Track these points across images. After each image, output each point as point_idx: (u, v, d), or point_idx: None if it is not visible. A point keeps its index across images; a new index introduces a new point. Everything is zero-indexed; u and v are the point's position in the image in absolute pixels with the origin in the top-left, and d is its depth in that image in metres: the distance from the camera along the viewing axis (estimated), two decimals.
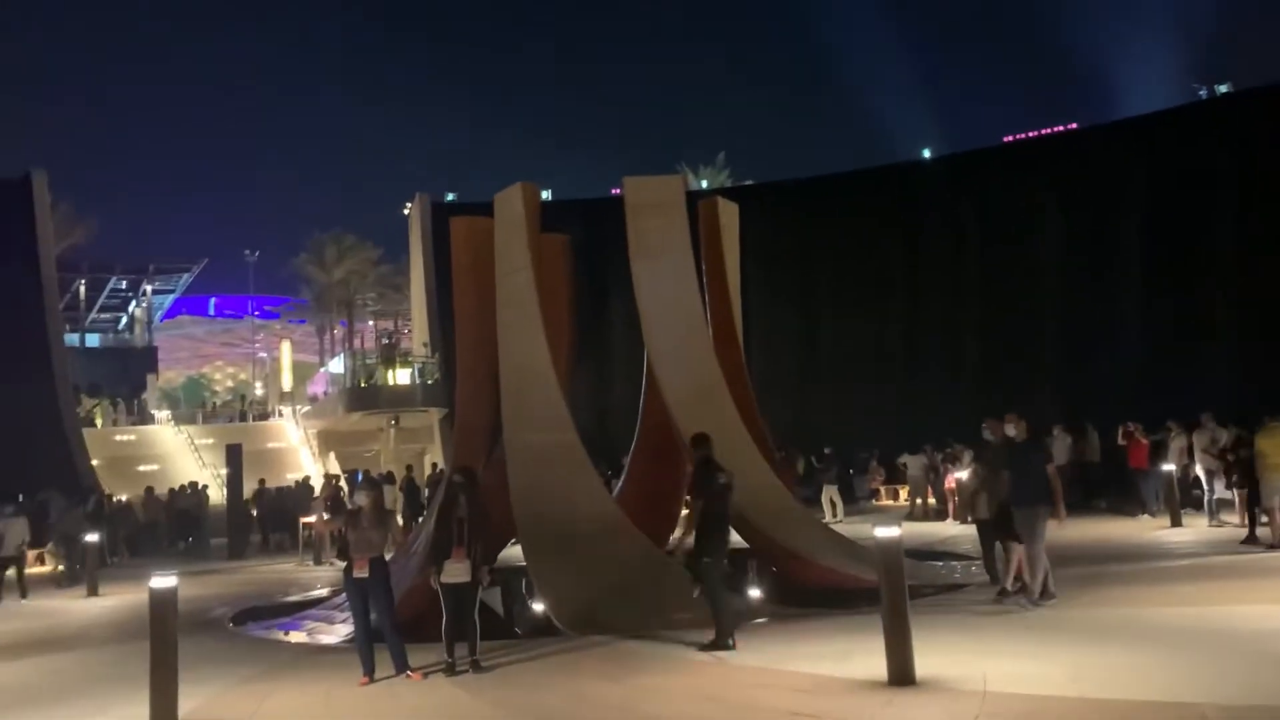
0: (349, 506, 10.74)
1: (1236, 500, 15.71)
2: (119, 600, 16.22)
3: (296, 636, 13.21)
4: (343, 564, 9.67)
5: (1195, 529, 16.18)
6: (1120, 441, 19.28)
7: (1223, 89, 35.05)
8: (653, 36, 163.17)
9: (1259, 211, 28.33)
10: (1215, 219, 29.80)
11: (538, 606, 12.14)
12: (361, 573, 9.13)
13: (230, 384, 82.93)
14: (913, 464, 24.39)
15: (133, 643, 10.63)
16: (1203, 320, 29.17)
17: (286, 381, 56.52)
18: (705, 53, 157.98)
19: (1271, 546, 13.66)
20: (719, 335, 16.23)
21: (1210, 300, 29.39)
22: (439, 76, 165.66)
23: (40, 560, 23.24)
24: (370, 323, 65.31)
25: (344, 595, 10.59)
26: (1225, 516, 16.37)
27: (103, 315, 62.28)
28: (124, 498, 29.25)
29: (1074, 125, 37.92)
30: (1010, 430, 11.24)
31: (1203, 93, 36.11)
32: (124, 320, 63.68)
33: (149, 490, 28.17)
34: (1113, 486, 20.74)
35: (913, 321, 35.18)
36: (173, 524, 26.90)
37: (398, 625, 9.38)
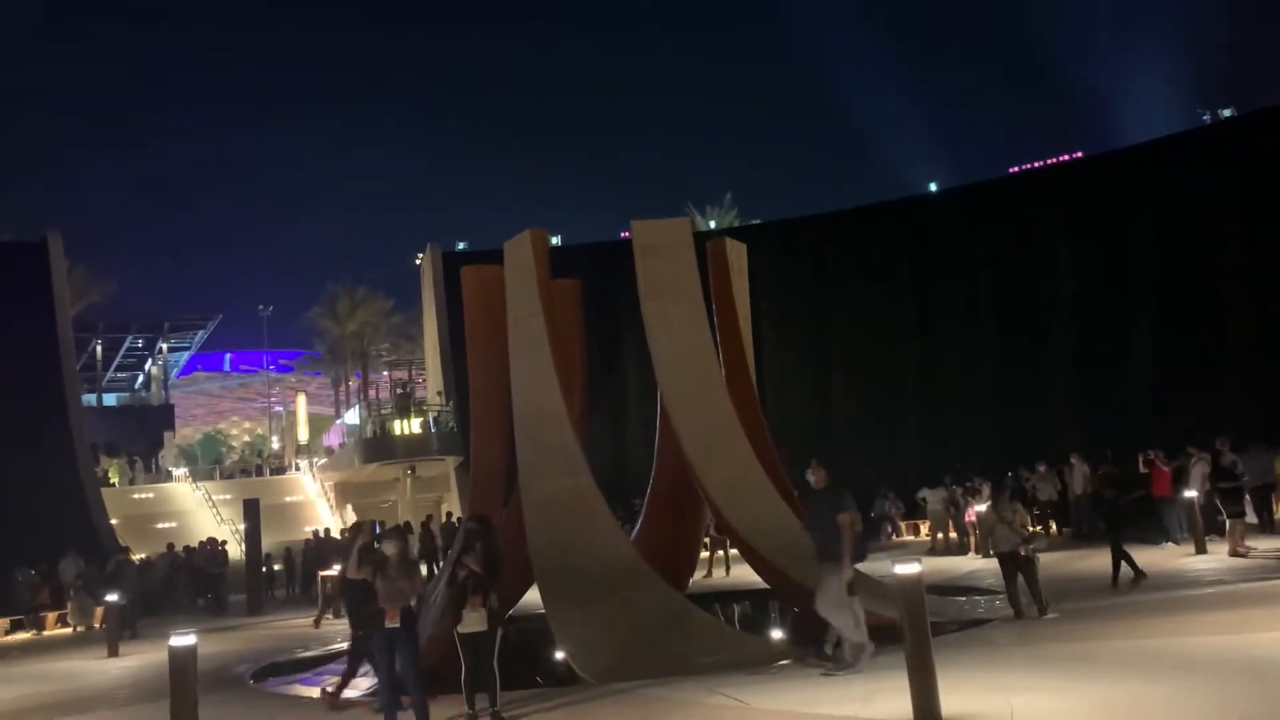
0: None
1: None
2: (139, 660, 16.18)
3: (317, 692, 13.12)
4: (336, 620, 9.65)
5: (1219, 556, 16.00)
6: (1142, 469, 19.12)
7: (1226, 113, 35.14)
8: (657, 79, 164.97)
9: (1267, 233, 28.28)
10: (1224, 243, 29.76)
11: (559, 654, 12.06)
12: (393, 623, 9.07)
13: (247, 439, 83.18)
14: (932, 498, 24.23)
15: (154, 703, 10.58)
16: (1216, 344, 29.02)
17: (303, 434, 56.67)
18: (710, 93, 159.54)
19: None
20: (731, 375, 16.23)
21: (1223, 324, 29.26)
22: (445, 126, 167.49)
23: (61, 622, 23.29)
24: (385, 373, 65.57)
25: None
26: (1250, 542, 16.18)
27: (119, 374, 62.76)
28: (145, 556, 29.28)
29: (1079, 154, 37.97)
30: (810, 478, 10.59)
31: (1206, 118, 36.19)
32: (140, 378, 64.12)
33: (170, 548, 28.27)
34: (1135, 515, 20.52)
35: (927, 355, 35.08)
36: (191, 581, 26.93)
37: (423, 677, 9.32)
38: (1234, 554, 15.80)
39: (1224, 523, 17.11)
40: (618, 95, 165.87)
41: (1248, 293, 28.77)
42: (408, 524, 27.81)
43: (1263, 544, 15.96)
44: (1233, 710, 7.01)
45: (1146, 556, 16.91)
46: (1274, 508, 18.04)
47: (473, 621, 9.24)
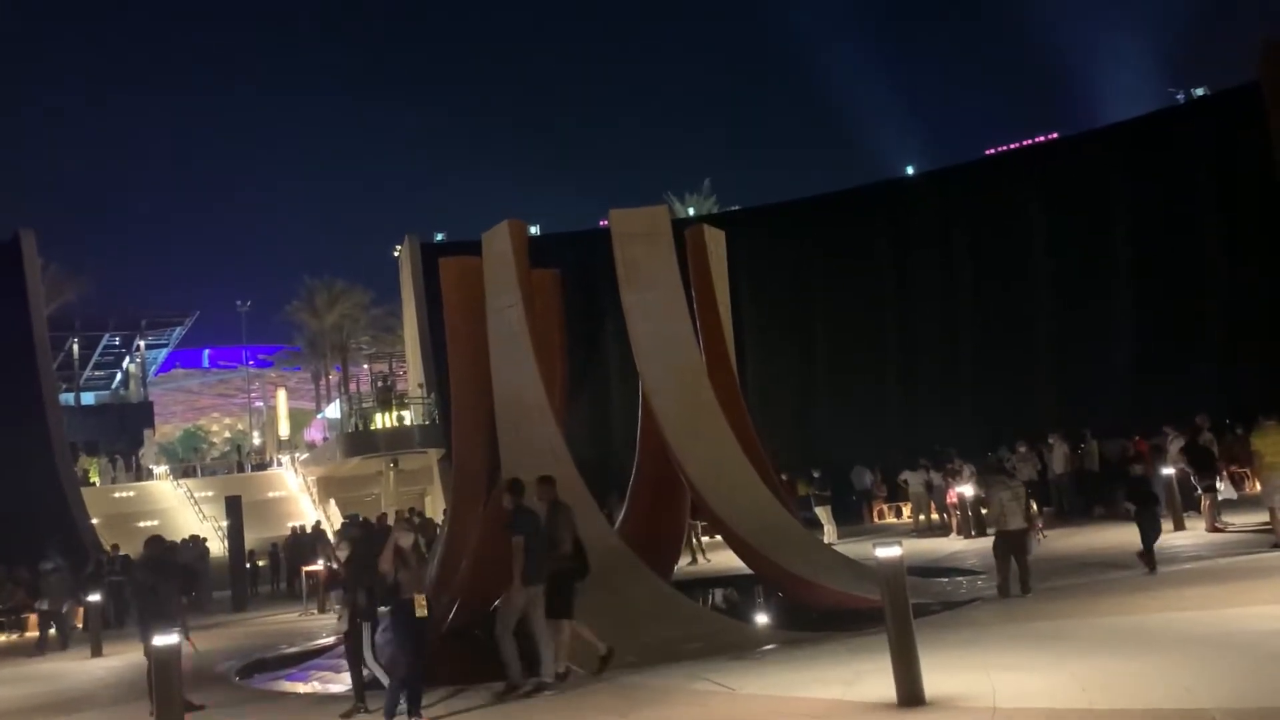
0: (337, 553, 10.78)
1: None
2: (123, 660, 16.08)
3: (304, 687, 13.11)
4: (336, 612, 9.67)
5: (1197, 532, 16.16)
6: (1131, 455, 19.27)
7: (1199, 92, 35.40)
8: (634, 67, 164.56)
9: (1244, 210, 28.50)
10: (1202, 220, 29.99)
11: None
12: (423, 611, 9.07)
13: (227, 435, 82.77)
14: (913, 480, 24.38)
15: (140, 703, 10.54)
16: (1193, 323, 29.27)
17: (284, 429, 56.41)
18: (687, 81, 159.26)
19: (1276, 545, 13.65)
20: (712, 360, 16.26)
21: (1200, 302, 29.51)
22: (422, 117, 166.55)
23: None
24: (365, 366, 65.35)
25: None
26: (1227, 518, 16.36)
27: (97, 373, 62.28)
28: (126, 554, 29.07)
29: (1055, 135, 38.16)
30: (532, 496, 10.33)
31: (1180, 97, 36.46)
32: (118, 377, 63.64)
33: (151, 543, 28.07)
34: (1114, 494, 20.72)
35: (907, 338, 35.23)
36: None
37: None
38: (1211, 530, 15.97)
39: (1199, 499, 17.28)
40: (595, 83, 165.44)
41: (1226, 271, 29.02)
42: (413, 510, 27.73)
43: (1238, 519, 16.13)
44: (1214, 684, 7.09)
45: (1127, 534, 17.10)
46: (1248, 485, 18.21)
47: (343, 620, 9.37)
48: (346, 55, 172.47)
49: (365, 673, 10.17)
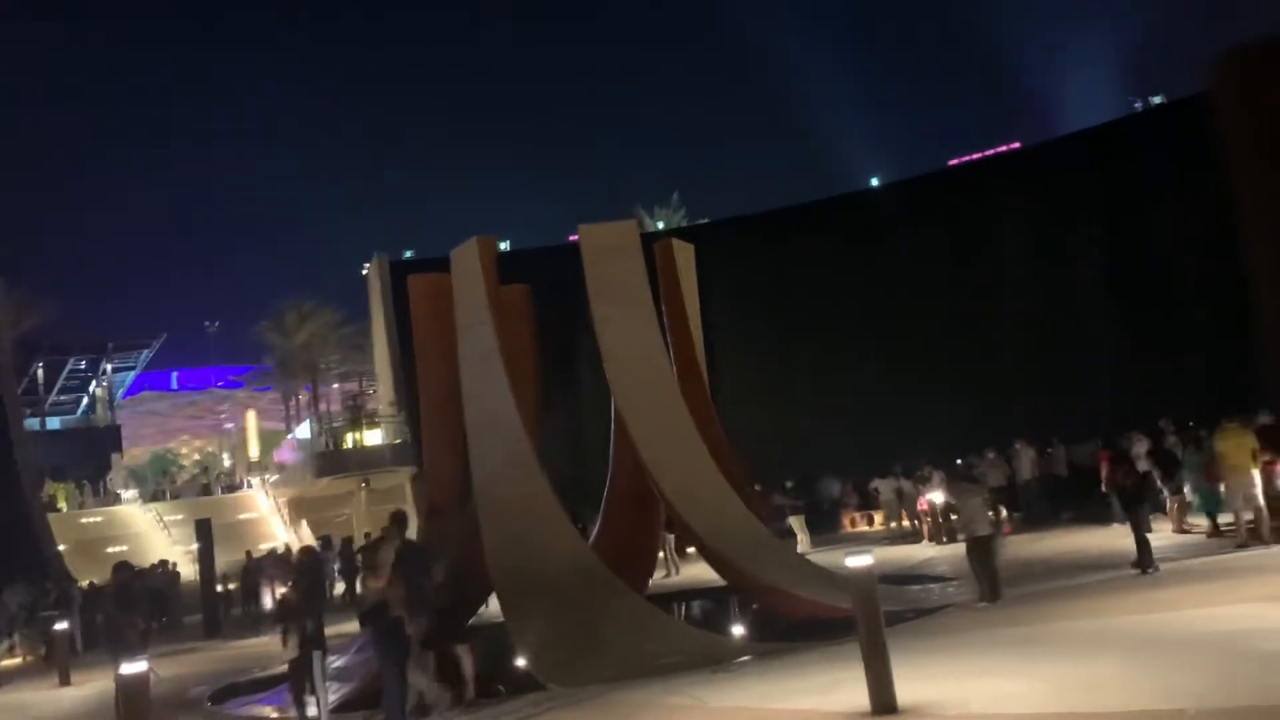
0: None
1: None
2: (92, 689, 15.85)
3: (276, 712, 12.98)
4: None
5: (1165, 534, 16.35)
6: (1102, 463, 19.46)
7: (1157, 100, 36.02)
8: (600, 82, 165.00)
9: (1207, 215, 28.91)
10: (1166, 226, 30.40)
11: (519, 661, 12.02)
12: (411, 629, 9.08)
13: (197, 457, 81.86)
14: (884, 488, 24.53)
15: None
16: (1161, 328, 29.65)
17: (254, 451, 55.91)
18: (654, 95, 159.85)
19: (1241, 545, 13.85)
20: (683, 374, 16.32)
21: (1167, 308, 29.89)
22: (390, 134, 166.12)
23: (10, 652, 22.76)
24: (335, 385, 64.92)
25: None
26: (1192, 519, 16.57)
27: (63, 397, 61.41)
28: (94, 581, 28.69)
29: (1017, 144, 38.64)
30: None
31: (1138, 105, 37.04)
32: (85, 401, 62.84)
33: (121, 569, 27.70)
34: (1083, 499, 20.93)
35: (879, 348, 35.41)
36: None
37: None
38: (1179, 531, 16.18)
39: (1164, 502, 17.49)
40: (564, 99, 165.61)
41: (1192, 276, 29.40)
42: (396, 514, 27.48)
43: (1205, 521, 16.33)
44: (1187, 684, 7.17)
45: (1096, 538, 17.30)
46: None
47: (292, 647, 9.32)
48: (315, 73, 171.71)
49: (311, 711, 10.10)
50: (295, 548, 30.11)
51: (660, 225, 53.01)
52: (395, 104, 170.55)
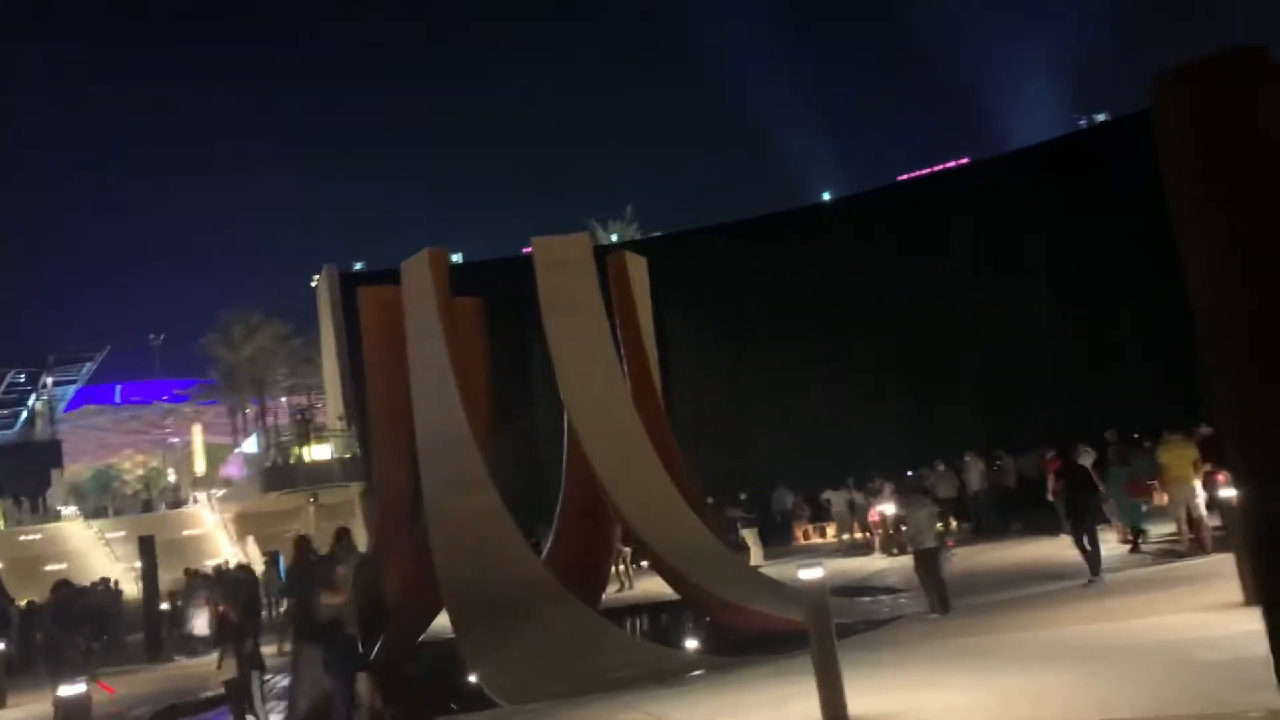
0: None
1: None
2: (27, 712, 15.42)
3: None
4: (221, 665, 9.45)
5: (1109, 544, 16.58)
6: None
7: (1100, 117, 36.80)
8: (555, 94, 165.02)
9: (1153, 229, 29.46)
10: (1113, 240, 31.00)
11: (470, 678, 11.89)
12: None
13: (141, 473, 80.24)
14: (836, 500, 24.67)
15: None
16: (1107, 342, 30.22)
17: (200, 466, 54.94)
18: (608, 108, 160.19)
19: (1183, 555, 14.10)
20: (637, 386, 16.31)
21: (1113, 322, 30.47)
22: (341, 146, 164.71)
23: None
24: (283, 399, 64.02)
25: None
26: (1145, 530, 16.82)
27: (1, 412, 59.99)
28: (33, 600, 27.93)
29: (965, 160, 39.20)
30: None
31: (1082, 122, 37.80)
32: (24, 415, 61.41)
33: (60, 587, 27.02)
34: (1032, 510, 21.16)
35: (831, 361, 35.68)
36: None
37: None
38: (1123, 542, 16.44)
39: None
40: (515, 111, 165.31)
41: (1137, 290, 29.95)
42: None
43: (1152, 530, 16.61)
44: (1132, 693, 7.26)
45: (1045, 549, 17.51)
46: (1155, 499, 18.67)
47: (228, 668, 9.16)
48: (260, 79, 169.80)
49: None
50: (255, 564, 29.66)
51: (614, 238, 52.98)
52: (346, 114, 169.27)
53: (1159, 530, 16.60)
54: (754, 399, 35.80)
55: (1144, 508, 16.50)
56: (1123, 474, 16.00)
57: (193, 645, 21.15)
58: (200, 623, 21.43)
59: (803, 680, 8.20)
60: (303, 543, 13.30)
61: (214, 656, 11.55)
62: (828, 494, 25.31)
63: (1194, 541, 14.29)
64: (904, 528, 13.35)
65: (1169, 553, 14.73)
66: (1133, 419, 22.82)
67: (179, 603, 27.56)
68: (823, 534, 27.38)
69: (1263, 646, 4.33)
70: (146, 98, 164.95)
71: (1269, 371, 4.27)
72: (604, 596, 17.21)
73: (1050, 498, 18.22)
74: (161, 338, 61.75)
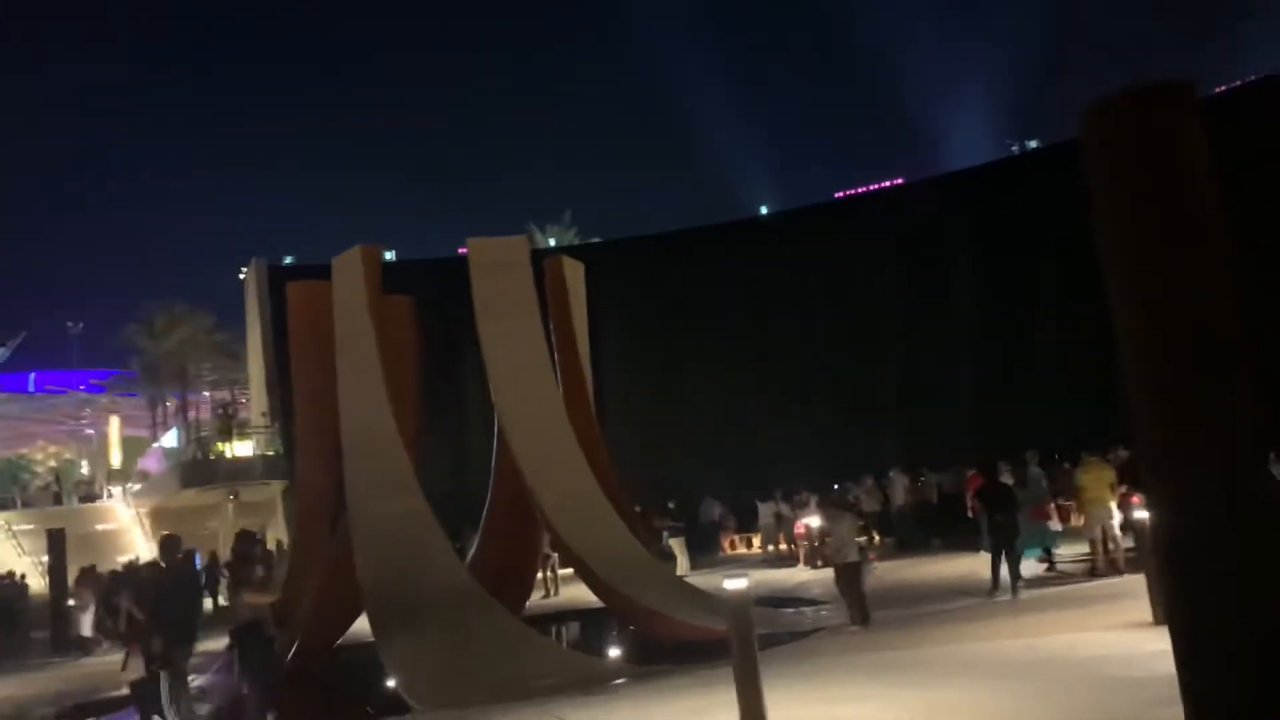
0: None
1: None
2: None
3: None
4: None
5: (1028, 563, 16.91)
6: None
7: (1032, 144, 37.78)
8: (498, 96, 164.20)
9: (1070, 256, 30.28)
10: (1033, 265, 31.77)
11: (388, 683, 11.71)
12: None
13: (54, 464, 77.74)
14: (763, 512, 24.84)
15: None
16: (1031, 363, 30.93)
17: (116, 459, 53.39)
18: (551, 112, 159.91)
19: (1095, 574, 14.46)
20: (569, 392, 16.24)
21: (1037, 344, 31.19)
22: (274, 135, 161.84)
23: None
24: (206, 393, 62.55)
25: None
26: (1055, 550, 17.21)
27: None
28: None
29: (900, 180, 39.89)
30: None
31: (1014, 148, 38.76)
32: None
33: None
34: (953, 526, 21.53)
35: (762, 373, 35.97)
36: None
37: None
38: (1040, 561, 16.79)
39: None
40: (456, 109, 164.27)
41: (1061, 314, 30.70)
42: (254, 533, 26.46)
43: (1066, 550, 17.01)
44: (1043, 709, 7.40)
45: (965, 564, 17.82)
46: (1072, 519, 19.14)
47: (134, 668, 8.95)
48: (193, 68, 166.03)
49: None
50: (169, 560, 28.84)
51: (552, 242, 52.89)
52: (281, 104, 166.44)
53: (1073, 550, 16.99)
54: (685, 408, 35.91)
55: (1057, 528, 16.87)
56: (1025, 495, 16.20)
57: (81, 645, 20.52)
58: (87, 622, 20.80)
59: (724, 691, 8.21)
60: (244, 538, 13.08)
61: (115, 656, 11.21)
62: (757, 504, 25.53)
63: (1108, 561, 14.65)
64: (828, 540, 13.48)
65: (1084, 572, 15.08)
66: (1055, 440, 23.36)
67: (70, 601, 26.82)
68: (749, 545, 27.55)
69: (1170, 665, 4.44)
70: (79, 74, 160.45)
71: (1184, 398, 4.39)
72: (529, 603, 17.10)
73: (970, 514, 18.56)
74: (80, 326, 59.94)
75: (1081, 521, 16.27)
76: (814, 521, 20.99)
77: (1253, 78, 31.64)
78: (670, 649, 13.00)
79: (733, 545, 28.12)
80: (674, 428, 35.54)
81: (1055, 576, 15.25)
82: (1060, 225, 30.74)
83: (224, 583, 21.81)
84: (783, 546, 24.02)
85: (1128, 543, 14.23)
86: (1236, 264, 4.46)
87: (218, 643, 13.39)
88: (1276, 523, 4.42)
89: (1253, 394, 4.40)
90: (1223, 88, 31.33)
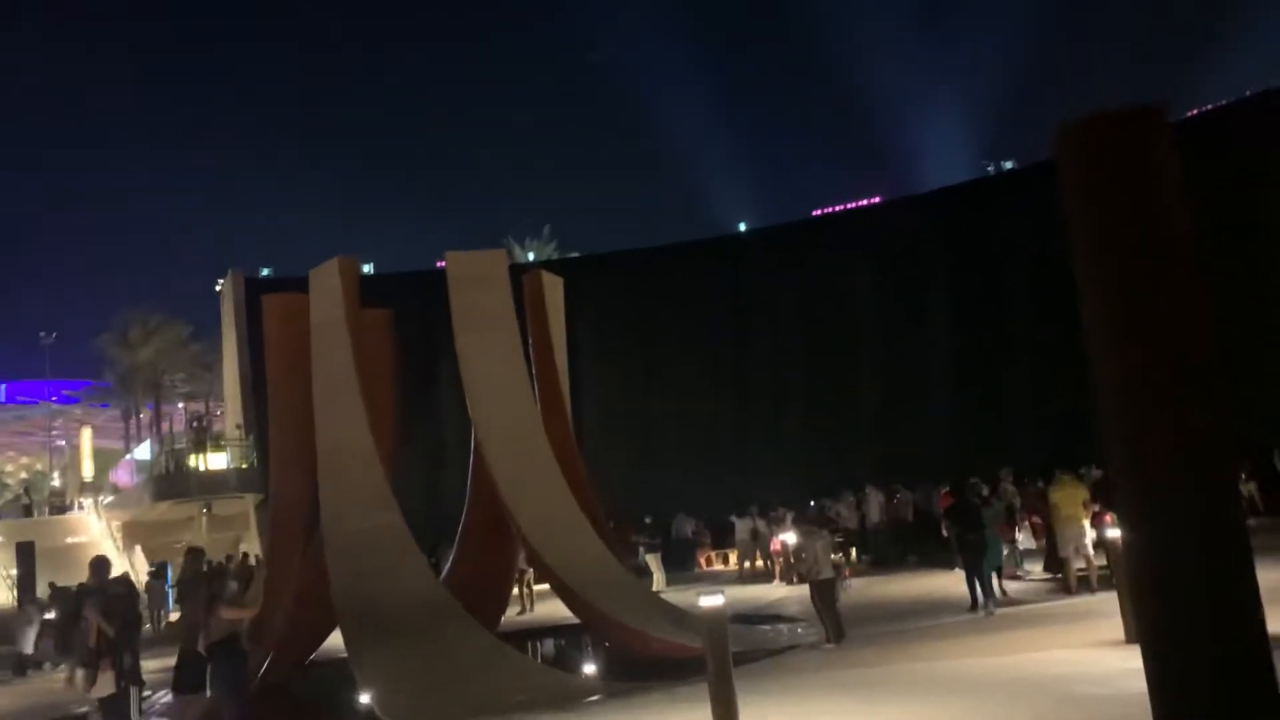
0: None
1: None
2: None
3: None
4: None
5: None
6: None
7: (1008, 165, 38.14)
8: (478, 110, 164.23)
9: (1045, 275, 30.57)
10: (1009, 283, 32.03)
11: (362, 699, 11.60)
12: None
13: (24, 475, 76.76)
14: (740, 528, 24.83)
15: None
16: (1007, 382, 31.12)
17: (88, 470, 52.73)
18: (532, 127, 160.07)
19: (1068, 591, 14.53)
20: (546, 407, 16.18)
21: (1013, 362, 31.40)
22: (254, 147, 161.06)
23: None
24: (180, 405, 61.97)
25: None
26: (1029, 566, 17.31)
27: None
28: None
29: (877, 199, 40.15)
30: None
31: (990, 169, 39.11)
32: None
33: None
34: (928, 543, 21.59)
35: (740, 389, 36.04)
36: None
37: None
38: (1011, 578, 16.88)
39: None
40: (437, 124, 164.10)
41: (1036, 333, 30.93)
42: (229, 558, 26.17)
43: (1036, 568, 17.10)
44: None
45: (940, 581, 17.86)
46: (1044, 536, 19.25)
47: (104, 684, 8.84)
48: (170, 80, 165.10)
49: None
50: (141, 574, 28.56)
51: (531, 256, 52.83)
52: (262, 117, 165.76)
53: (1038, 569, 17.07)
54: (664, 424, 35.90)
55: (1014, 547, 17.00)
56: (992, 512, 16.24)
57: (19, 664, 20.15)
58: (29, 640, 20.45)
59: (698, 707, 8.20)
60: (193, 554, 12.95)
61: (60, 673, 11.02)
62: (734, 519, 25.52)
63: (1081, 580, 14.73)
64: (803, 556, 13.50)
65: (1056, 590, 15.15)
66: (1031, 457, 23.51)
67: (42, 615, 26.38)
68: (725, 561, 27.52)
69: (1141, 684, 4.47)
70: (47, 80, 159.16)
71: (1156, 417, 4.43)
72: (504, 619, 17.01)
73: (944, 532, 18.62)
74: (53, 336, 59.18)
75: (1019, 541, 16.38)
76: (790, 538, 21.01)
77: (1224, 102, 32.08)
78: (645, 665, 12.95)
79: (709, 561, 28.07)
80: (652, 443, 35.51)
81: (1029, 593, 15.29)
82: (1036, 245, 31.02)
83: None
84: (759, 563, 24.00)
85: (1100, 561, 14.31)
86: (1208, 284, 4.51)
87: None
88: (1246, 542, 4.47)
89: (1224, 414, 4.44)
90: (1195, 111, 31.75)
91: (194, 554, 11.93)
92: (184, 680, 9.46)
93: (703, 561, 28.03)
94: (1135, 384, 4.50)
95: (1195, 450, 4.37)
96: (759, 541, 23.92)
